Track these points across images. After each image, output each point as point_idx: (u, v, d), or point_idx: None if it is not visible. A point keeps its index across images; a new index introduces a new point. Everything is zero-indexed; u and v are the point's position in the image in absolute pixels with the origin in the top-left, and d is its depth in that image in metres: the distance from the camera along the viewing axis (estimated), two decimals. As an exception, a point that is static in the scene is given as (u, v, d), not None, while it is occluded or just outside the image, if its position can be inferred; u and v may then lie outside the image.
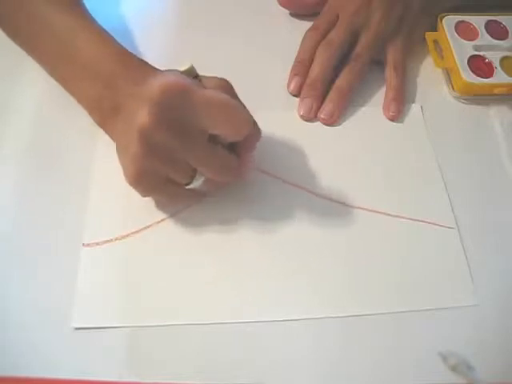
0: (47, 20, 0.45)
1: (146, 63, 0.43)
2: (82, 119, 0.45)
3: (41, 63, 0.47)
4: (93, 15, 0.46)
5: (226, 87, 0.41)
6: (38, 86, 0.49)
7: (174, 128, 0.38)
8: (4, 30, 0.49)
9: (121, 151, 0.41)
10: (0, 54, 0.51)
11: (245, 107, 0.41)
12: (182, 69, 0.39)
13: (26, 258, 0.42)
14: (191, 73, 0.39)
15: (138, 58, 0.43)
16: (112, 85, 0.41)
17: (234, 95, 0.42)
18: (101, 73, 0.42)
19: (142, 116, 0.37)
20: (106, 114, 0.42)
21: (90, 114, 0.44)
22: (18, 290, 0.41)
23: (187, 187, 0.42)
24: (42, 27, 0.45)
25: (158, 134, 0.38)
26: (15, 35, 0.48)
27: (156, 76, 0.39)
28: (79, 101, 0.45)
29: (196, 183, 0.42)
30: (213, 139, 0.40)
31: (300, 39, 0.54)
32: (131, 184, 0.41)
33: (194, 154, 0.39)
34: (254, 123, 0.42)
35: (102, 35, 0.44)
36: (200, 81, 0.40)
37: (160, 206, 0.44)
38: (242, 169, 0.43)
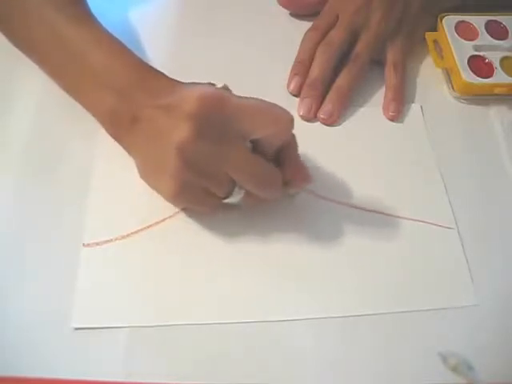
0: (57, 30, 0.43)
1: (164, 74, 0.42)
2: (83, 119, 0.45)
3: (50, 74, 0.47)
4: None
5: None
6: (38, 86, 0.49)
7: (215, 139, 0.37)
8: (11, 40, 0.48)
9: (152, 167, 0.40)
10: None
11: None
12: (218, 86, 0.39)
13: (26, 258, 0.42)
14: (226, 90, 0.39)
15: (155, 69, 0.42)
16: (128, 96, 0.40)
17: None
18: (116, 84, 0.41)
19: (183, 131, 0.37)
20: (121, 126, 0.41)
21: (104, 125, 0.43)
22: (18, 290, 0.41)
23: (225, 201, 0.41)
24: (52, 37, 0.44)
25: (199, 148, 0.37)
26: (23, 45, 0.47)
27: (187, 88, 0.39)
28: (92, 112, 0.44)
29: (235, 197, 0.41)
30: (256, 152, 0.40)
31: (300, 39, 0.54)
32: (171, 200, 0.41)
33: (235, 163, 0.39)
34: None
35: (116, 46, 0.43)
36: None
37: (160, 206, 0.44)
38: (297, 179, 0.42)
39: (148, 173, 0.41)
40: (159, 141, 0.38)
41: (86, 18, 0.45)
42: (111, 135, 0.43)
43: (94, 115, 0.44)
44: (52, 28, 0.44)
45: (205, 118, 0.37)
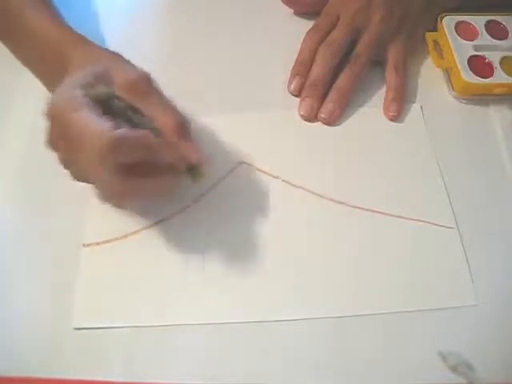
0: (21, 16, 0.46)
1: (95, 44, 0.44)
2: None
3: (14, 53, 0.48)
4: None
5: (144, 81, 0.40)
6: (38, 87, 0.49)
7: None
8: None
9: None
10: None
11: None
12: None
13: (25, 258, 0.42)
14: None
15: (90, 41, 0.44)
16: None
17: (154, 89, 0.40)
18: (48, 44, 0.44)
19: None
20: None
21: (47, 88, 0.45)
22: (19, 291, 0.41)
23: None
24: (16, 23, 0.46)
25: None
26: None
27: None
28: (41, 81, 0.46)
29: None
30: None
31: (301, 39, 0.54)
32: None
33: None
34: (179, 115, 0.40)
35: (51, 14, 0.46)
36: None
37: (159, 207, 0.44)
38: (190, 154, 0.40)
39: None
40: None
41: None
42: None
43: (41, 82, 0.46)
44: (17, 14, 0.46)
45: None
